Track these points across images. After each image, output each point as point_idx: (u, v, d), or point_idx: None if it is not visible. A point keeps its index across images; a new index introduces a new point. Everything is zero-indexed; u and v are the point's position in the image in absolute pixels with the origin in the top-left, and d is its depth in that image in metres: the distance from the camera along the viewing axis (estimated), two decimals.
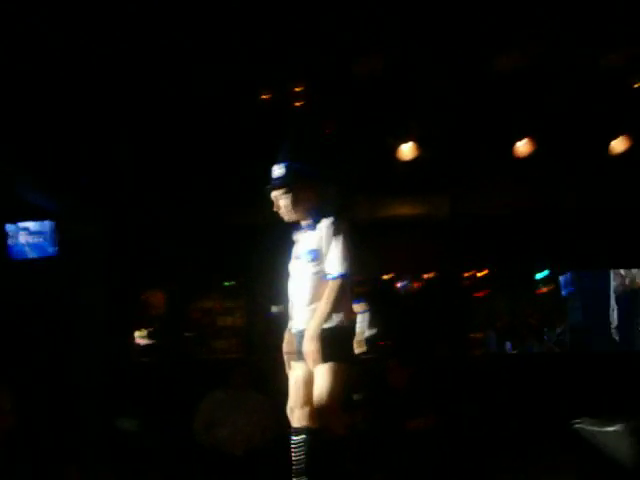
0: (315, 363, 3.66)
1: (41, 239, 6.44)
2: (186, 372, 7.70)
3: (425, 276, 9.39)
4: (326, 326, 3.68)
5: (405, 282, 9.86)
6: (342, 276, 3.68)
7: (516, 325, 10.29)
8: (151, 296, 9.45)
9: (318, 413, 3.66)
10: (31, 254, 6.39)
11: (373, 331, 8.32)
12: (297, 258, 3.92)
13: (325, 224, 3.79)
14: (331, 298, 3.66)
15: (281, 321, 8.14)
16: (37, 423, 4.21)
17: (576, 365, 7.59)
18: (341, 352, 3.72)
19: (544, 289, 10.58)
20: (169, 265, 7.74)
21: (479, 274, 9.89)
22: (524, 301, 10.84)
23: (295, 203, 3.86)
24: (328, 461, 3.72)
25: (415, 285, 9.93)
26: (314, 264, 3.79)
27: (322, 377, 3.65)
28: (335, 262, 3.70)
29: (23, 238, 6.41)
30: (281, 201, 3.87)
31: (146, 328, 8.88)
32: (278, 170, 3.85)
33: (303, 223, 3.93)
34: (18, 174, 5.97)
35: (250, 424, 5.56)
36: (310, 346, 3.62)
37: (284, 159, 3.89)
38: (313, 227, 3.85)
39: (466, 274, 9.43)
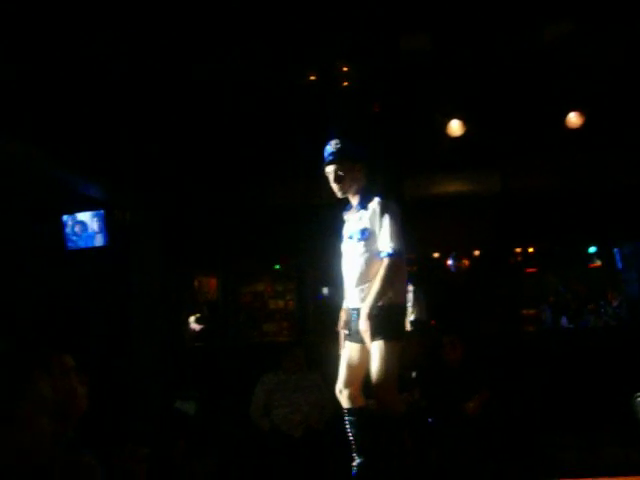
0: (370, 341, 3.68)
1: (95, 229, 6.55)
2: (238, 356, 7.79)
3: (476, 253, 9.34)
4: (380, 304, 3.70)
5: (455, 259, 9.83)
6: (394, 254, 3.69)
7: (570, 300, 10.19)
8: (203, 281, 9.59)
9: (376, 391, 3.68)
10: (86, 244, 6.51)
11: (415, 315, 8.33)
12: (348, 238, 3.95)
13: (375, 203, 3.80)
14: (385, 276, 3.68)
15: (332, 302, 8.24)
16: (100, 408, 4.28)
17: (633, 338, 7.45)
18: (395, 329, 3.75)
19: (597, 263, 10.45)
20: (220, 250, 7.81)
21: (530, 250, 9.81)
22: (577, 275, 10.73)
23: (346, 179, 3.89)
24: (386, 439, 3.75)
25: (465, 262, 9.89)
26: (365, 243, 3.82)
27: (378, 355, 3.67)
28: (386, 240, 3.72)
29: (78, 228, 6.53)
30: (333, 176, 3.90)
31: (199, 313, 9.01)
32: (331, 147, 3.89)
33: (353, 201, 3.95)
34: (68, 166, 6.06)
35: (307, 404, 5.59)
36: (365, 324, 3.64)
37: (336, 137, 3.92)
38: (363, 206, 3.87)
39: (518, 250, 9.36)
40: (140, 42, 5.01)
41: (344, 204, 4.11)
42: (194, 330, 8.63)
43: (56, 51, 4.86)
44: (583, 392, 6.37)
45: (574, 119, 5.95)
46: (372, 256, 3.81)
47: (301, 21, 4.60)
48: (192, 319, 8.70)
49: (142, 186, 6.86)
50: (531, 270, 10.46)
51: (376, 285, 3.69)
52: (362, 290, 3.81)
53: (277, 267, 10.15)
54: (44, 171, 5.83)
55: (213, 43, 5.03)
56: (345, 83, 5.17)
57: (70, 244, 6.41)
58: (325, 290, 9.88)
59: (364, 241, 3.83)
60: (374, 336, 3.67)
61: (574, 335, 8.15)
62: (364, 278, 3.81)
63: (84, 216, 6.52)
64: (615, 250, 10.22)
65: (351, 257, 3.92)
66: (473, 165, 7.04)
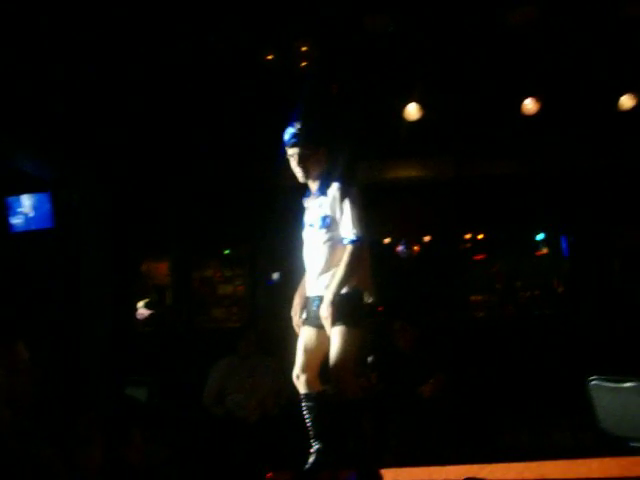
0: (331, 326, 3.64)
1: (41, 210, 6.34)
2: (187, 341, 7.69)
3: (426, 239, 9.39)
4: (344, 291, 3.65)
5: (405, 246, 9.86)
6: (357, 240, 3.64)
7: (517, 287, 10.32)
8: (152, 265, 9.43)
9: (334, 376, 3.64)
10: (31, 226, 6.30)
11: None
12: (309, 226, 3.88)
13: (334, 188, 3.74)
14: (348, 263, 3.63)
15: (282, 288, 8.19)
16: (49, 395, 4.15)
17: (578, 324, 7.60)
18: (356, 315, 3.69)
19: (545, 250, 10.61)
20: (171, 233, 7.68)
21: (480, 236, 9.91)
22: (525, 263, 10.88)
23: (309, 162, 3.82)
24: (344, 424, 3.72)
25: (416, 248, 9.93)
26: (326, 230, 3.75)
27: (338, 340, 3.63)
28: (349, 226, 3.66)
29: (23, 210, 6.32)
30: (296, 160, 3.83)
31: (147, 297, 8.86)
32: (294, 129, 3.81)
33: (313, 187, 3.89)
34: (15, 146, 5.86)
35: (262, 389, 5.54)
36: (327, 311, 3.59)
37: (297, 120, 3.84)
38: (323, 192, 3.80)
39: (467, 236, 9.44)
40: (98, 19, 4.86)
41: (299, 189, 4.04)
42: (143, 315, 8.48)
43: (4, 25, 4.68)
44: (533, 377, 6.47)
45: (530, 105, 5.99)
46: (334, 243, 3.75)
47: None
48: (141, 304, 8.55)
49: (91, 167, 6.69)
50: (480, 257, 10.57)
51: (340, 272, 3.63)
52: (325, 278, 3.75)
53: (227, 252, 10.05)
54: None
55: (170, 20, 4.90)
56: (303, 63, 5.09)
57: (15, 226, 6.20)
58: (275, 275, 9.81)
59: (325, 228, 3.76)
60: (335, 321, 3.62)
61: (522, 321, 8.25)
62: (326, 266, 3.75)
63: (29, 197, 6.31)
64: (562, 238, 10.41)
65: (313, 245, 3.85)
66: (427, 150, 7.05)
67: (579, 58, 5.46)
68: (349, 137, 5.48)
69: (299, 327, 3.94)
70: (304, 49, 4.96)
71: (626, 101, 6.15)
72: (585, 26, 4.98)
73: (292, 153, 3.84)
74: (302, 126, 3.81)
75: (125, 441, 3.85)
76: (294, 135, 3.80)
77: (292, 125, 3.81)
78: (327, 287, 3.68)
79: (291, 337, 4.26)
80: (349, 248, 3.64)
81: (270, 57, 5.04)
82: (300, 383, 3.84)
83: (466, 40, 5.38)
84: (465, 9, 4.99)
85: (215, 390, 5.62)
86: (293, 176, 3.92)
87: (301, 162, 3.82)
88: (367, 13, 4.65)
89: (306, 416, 3.85)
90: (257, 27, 4.81)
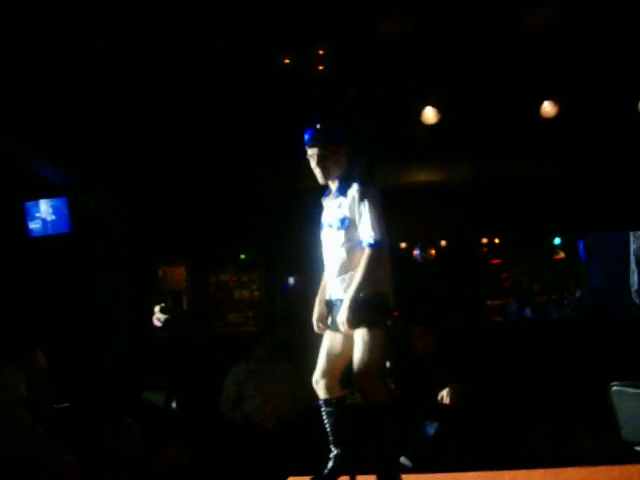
0: (352, 331, 3.61)
1: (59, 215, 6.37)
2: (203, 346, 7.67)
3: (443, 243, 9.34)
4: (363, 293, 3.62)
5: (422, 250, 9.81)
6: (376, 243, 3.60)
7: (535, 291, 10.25)
8: (167, 270, 9.43)
9: (359, 381, 3.61)
10: (49, 231, 6.33)
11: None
12: (328, 226, 3.85)
13: (354, 189, 3.72)
14: (366, 266, 3.59)
15: (299, 292, 8.15)
16: (67, 398, 4.16)
17: (596, 329, 7.52)
18: (378, 317, 3.66)
19: (562, 254, 10.53)
20: (188, 238, 7.67)
21: (496, 240, 9.85)
22: (543, 267, 10.80)
23: (330, 162, 3.80)
24: (369, 430, 3.68)
25: (432, 253, 9.88)
26: (345, 232, 3.73)
27: (361, 343, 3.59)
28: (368, 229, 3.63)
29: (41, 215, 6.35)
30: (316, 160, 3.80)
31: (163, 302, 8.86)
32: (313, 129, 3.79)
33: (332, 187, 3.86)
34: (34, 151, 5.88)
35: (279, 394, 5.51)
36: (345, 315, 3.56)
37: (316, 120, 3.83)
38: (342, 193, 3.78)
39: (484, 240, 9.38)
40: (113, 26, 4.87)
41: (315, 192, 4.02)
42: (159, 320, 8.48)
43: (23, 36, 4.69)
44: (552, 383, 6.40)
45: (548, 108, 5.94)
46: (353, 245, 3.71)
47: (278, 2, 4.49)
48: (157, 309, 8.55)
49: (108, 172, 6.69)
50: (495, 261, 10.51)
51: (358, 276, 3.60)
52: (343, 280, 3.72)
53: (243, 257, 10.03)
54: (7, 155, 5.65)
55: (186, 26, 4.89)
56: (320, 67, 5.06)
57: (33, 231, 6.22)
58: (291, 280, 9.79)
59: (344, 230, 3.73)
60: (357, 324, 3.59)
61: (540, 326, 8.18)
62: (345, 268, 3.72)
63: (48, 202, 6.34)
64: (579, 242, 10.33)
65: (331, 246, 3.82)
66: (445, 154, 7.00)
67: (599, 60, 5.40)
68: (367, 139, 5.46)
69: (320, 330, 3.92)
70: (321, 52, 4.93)
71: None
72: (605, 28, 4.91)
73: (312, 153, 3.82)
74: (322, 126, 3.79)
75: (154, 451, 3.85)
76: (314, 135, 3.79)
77: (312, 125, 3.80)
78: (345, 290, 3.66)
79: (308, 342, 4.25)
80: (368, 251, 3.61)
81: (287, 61, 5.01)
82: (320, 388, 3.81)
83: (485, 42, 5.33)
84: (484, 11, 4.93)
85: (232, 395, 5.60)
86: (310, 179, 3.90)
87: (320, 162, 3.80)
88: (386, 15, 4.62)
89: (325, 421, 3.82)
90: (273, 30, 4.78)
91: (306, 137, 3.81)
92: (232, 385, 5.65)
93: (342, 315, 3.57)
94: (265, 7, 4.76)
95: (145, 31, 4.99)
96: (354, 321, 3.58)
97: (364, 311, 3.58)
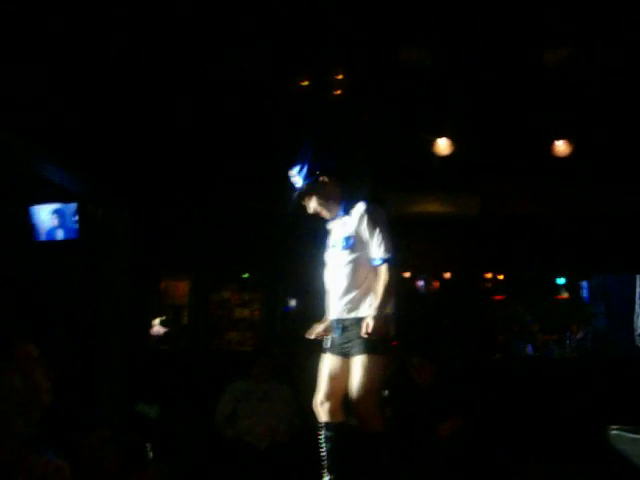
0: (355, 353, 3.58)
1: (65, 221, 6.37)
2: (200, 362, 7.64)
3: (446, 275, 9.33)
4: (365, 315, 3.59)
5: (425, 281, 9.82)
6: (390, 259, 3.58)
7: (535, 330, 10.24)
8: (170, 284, 9.42)
9: (356, 406, 3.57)
10: (55, 235, 6.33)
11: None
12: (332, 246, 3.84)
13: (360, 208, 3.71)
14: (387, 283, 3.57)
15: (300, 314, 8.11)
16: (62, 406, 4.12)
17: (597, 370, 7.47)
18: (381, 342, 3.62)
19: (565, 295, 10.53)
20: (189, 254, 7.67)
21: (500, 277, 9.84)
22: (544, 306, 10.79)
23: (326, 199, 3.81)
24: (364, 457, 3.64)
25: (435, 284, 9.88)
26: (349, 251, 3.71)
27: (360, 368, 3.56)
28: (379, 246, 3.61)
29: (47, 219, 6.35)
30: (313, 203, 3.82)
31: (164, 315, 8.86)
32: (294, 178, 3.78)
33: (335, 211, 3.86)
34: (43, 155, 5.90)
35: (274, 416, 5.47)
36: (372, 325, 3.49)
37: (298, 161, 3.80)
38: (346, 212, 3.78)
39: (488, 275, 9.37)
40: (129, 36, 4.90)
41: (317, 216, 4.01)
42: (158, 333, 8.47)
43: (37, 38, 4.72)
44: (550, 422, 6.34)
45: (561, 147, 5.95)
46: (357, 265, 3.70)
47: (300, 25, 4.52)
48: (157, 321, 8.54)
49: (118, 183, 6.71)
50: (499, 297, 10.51)
51: (379, 293, 3.57)
52: (348, 301, 3.70)
53: (245, 276, 10.02)
54: (17, 158, 5.66)
55: (200, 41, 4.91)
56: (337, 92, 5.09)
57: (39, 235, 6.22)
58: (293, 302, 9.77)
59: (349, 249, 3.72)
60: (358, 350, 3.56)
61: (541, 364, 8.13)
62: (349, 288, 3.70)
63: (56, 208, 6.34)
64: (583, 283, 10.33)
65: (335, 266, 3.81)
66: (454, 186, 7.00)
67: (614, 101, 5.41)
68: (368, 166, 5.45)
69: (310, 334, 3.90)
70: (339, 77, 4.96)
71: None
72: (620, 69, 4.93)
73: (306, 199, 3.83)
74: (301, 173, 3.77)
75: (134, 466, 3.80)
76: (297, 185, 3.78)
77: (297, 172, 3.77)
78: (349, 312, 3.65)
79: (307, 364, 4.22)
80: (384, 267, 3.58)
81: (305, 83, 5.03)
82: (322, 411, 3.75)
83: (500, 78, 5.35)
84: (502, 46, 4.96)
85: (227, 412, 5.57)
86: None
87: (320, 202, 3.81)
88: (404, 45, 4.65)
89: (322, 445, 3.76)
90: (294, 51, 4.81)
91: (295, 189, 3.80)
92: (227, 403, 5.61)
93: (368, 327, 3.50)
94: (283, 30, 4.79)
95: (161, 47, 5.01)
96: (355, 344, 3.57)
97: (365, 337, 3.56)
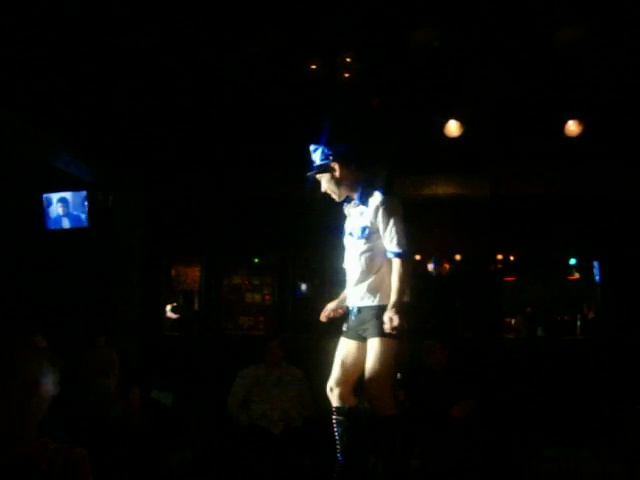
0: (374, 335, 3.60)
1: (76, 209, 6.39)
2: (214, 347, 7.67)
3: (457, 257, 9.30)
4: (380, 304, 3.62)
5: (437, 263, 9.78)
6: (403, 252, 3.60)
7: (547, 311, 10.18)
8: (180, 270, 9.44)
9: (369, 390, 3.59)
10: (67, 224, 6.35)
11: None
12: (349, 234, 3.86)
13: (376, 199, 3.71)
14: (402, 273, 3.59)
15: (311, 298, 8.12)
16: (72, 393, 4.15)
17: (608, 352, 7.47)
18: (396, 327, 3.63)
19: (576, 275, 10.46)
20: (201, 239, 7.68)
21: (511, 258, 9.79)
22: (557, 287, 10.73)
23: (337, 183, 3.81)
24: (376, 440, 3.66)
25: (446, 266, 9.85)
26: (365, 241, 3.73)
27: (374, 352, 3.59)
28: (393, 238, 3.62)
29: (59, 208, 6.37)
30: (326, 184, 3.82)
31: (175, 302, 8.88)
32: (313, 155, 3.80)
33: (354, 196, 3.86)
34: (54, 144, 5.90)
35: (287, 400, 5.49)
36: (396, 320, 3.52)
37: (317, 141, 3.84)
38: (363, 201, 3.77)
39: (499, 257, 9.32)
40: (139, 24, 4.87)
41: (330, 199, 4.01)
42: (170, 319, 8.49)
43: (50, 27, 4.71)
44: (563, 403, 6.34)
45: (572, 127, 5.90)
46: (372, 255, 3.73)
47: (308, 7, 4.48)
48: (169, 308, 8.56)
49: (127, 170, 6.72)
50: (510, 278, 10.45)
51: (396, 283, 3.60)
52: (363, 289, 3.73)
53: (256, 260, 10.03)
54: (28, 147, 5.68)
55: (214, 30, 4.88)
56: (346, 74, 5.05)
57: (51, 224, 6.25)
58: (304, 286, 9.78)
59: (364, 239, 3.74)
60: (372, 333, 3.59)
61: (553, 346, 8.11)
62: (364, 277, 3.74)
63: (67, 196, 6.36)
64: (595, 263, 10.25)
65: (351, 255, 3.84)
66: (465, 168, 6.97)
67: (625, 80, 5.36)
68: (386, 149, 5.45)
69: (325, 317, 4.00)
70: (348, 60, 4.92)
71: None
72: (631, 47, 4.88)
73: (320, 178, 3.84)
74: (322, 152, 3.78)
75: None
76: (316, 163, 3.79)
77: (313, 151, 3.79)
78: (362, 299, 3.67)
79: (319, 348, 4.24)
80: (397, 261, 3.61)
81: (314, 67, 5.00)
82: (333, 396, 3.80)
83: (510, 58, 5.30)
84: (512, 27, 4.91)
85: (240, 397, 5.58)
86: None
87: (330, 185, 3.82)
88: (414, 27, 4.60)
89: (335, 430, 3.80)
90: (301, 36, 4.78)
91: (310, 161, 3.82)
92: (240, 388, 5.62)
93: (394, 320, 3.52)
94: (291, 14, 4.75)
95: (174, 34, 4.99)
96: (371, 328, 3.59)
97: (381, 319, 3.57)
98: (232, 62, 5.12)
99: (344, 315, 3.96)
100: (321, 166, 3.81)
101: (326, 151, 3.79)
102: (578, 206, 7.27)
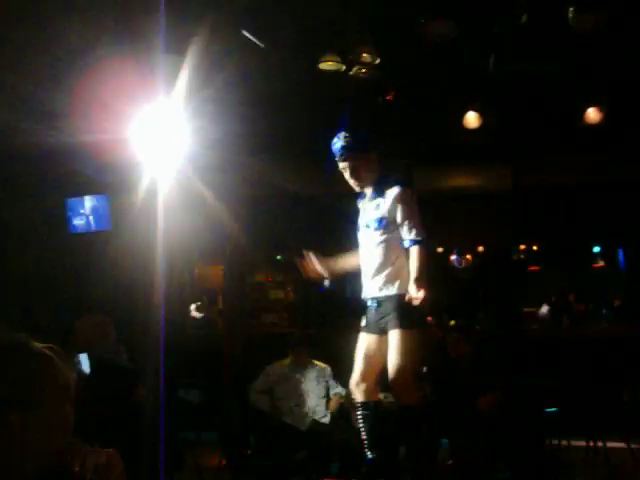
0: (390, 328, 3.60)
1: (99, 213, 6.44)
2: (239, 345, 7.71)
3: (480, 249, 9.29)
4: (397, 293, 3.63)
5: (459, 255, 9.78)
6: (421, 241, 3.60)
7: (572, 300, 10.13)
8: (203, 270, 9.50)
9: (393, 383, 3.60)
10: (90, 227, 6.40)
11: None
12: (365, 227, 3.86)
13: (394, 191, 3.71)
14: (421, 261, 3.59)
15: (335, 294, 8.13)
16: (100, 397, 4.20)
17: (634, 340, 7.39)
18: (414, 318, 3.64)
19: (601, 263, 10.40)
20: (223, 238, 7.71)
21: (535, 247, 9.76)
22: (582, 275, 10.66)
23: (362, 171, 3.81)
24: (403, 433, 3.67)
25: (469, 258, 9.84)
26: (382, 232, 3.73)
27: (396, 344, 3.59)
28: (412, 228, 3.63)
29: (82, 212, 6.43)
30: (349, 172, 3.82)
31: (199, 301, 8.94)
32: (339, 142, 3.80)
33: (368, 190, 3.87)
34: (77, 149, 5.95)
35: (314, 397, 5.49)
36: (417, 289, 3.51)
37: (344, 130, 3.84)
38: (380, 194, 3.78)
39: (522, 247, 9.30)
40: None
41: (350, 196, 4.03)
42: (194, 318, 8.56)
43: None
44: (589, 394, 6.29)
45: (593, 115, 5.86)
46: (389, 245, 3.73)
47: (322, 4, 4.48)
48: (193, 307, 8.63)
49: (147, 172, 6.74)
50: (534, 268, 10.42)
51: (416, 269, 3.58)
52: (381, 279, 3.72)
53: (279, 257, 10.07)
54: (50, 152, 5.72)
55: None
56: (363, 70, 5.04)
57: (75, 227, 6.31)
58: (326, 282, 9.78)
59: (382, 230, 3.74)
60: (393, 325, 3.59)
61: (577, 335, 8.06)
62: (382, 267, 3.73)
63: (89, 200, 6.41)
64: (619, 250, 10.19)
65: (368, 246, 3.83)
66: (486, 159, 6.95)
67: None
68: (406, 144, 5.44)
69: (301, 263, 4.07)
70: (364, 55, 4.91)
71: None
72: None
73: (343, 166, 3.84)
74: (348, 137, 3.79)
75: None
76: (342, 148, 3.79)
77: (338, 137, 3.80)
78: (380, 290, 3.67)
79: (344, 343, 4.23)
80: (415, 249, 3.61)
81: (330, 62, 5.00)
82: (358, 391, 3.80)
83: (529, 47, 5.27)
84: (530, 16, 4.87)
85: (261, 387, 5.54)
86: (344, 183, 3.91)
87: (354, 173, 3.82)
88: (430, 18, 4.59)
89: (361, 425, 3.80)
90: (320, 31, 4.78)
91: (335, 151, 3.82)
92: (265, 379, 5.58)
93: (420, 292, 3.50)
94: (310, 8, 4.75)
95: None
96: (390, 320, 3.60)
97: (400, 310, 3.59)
98: (250, 58, 5.11)
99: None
100: (341, 155, 3.81)
101: (351, 140, 3.80)
102: (600, 194, 7.21)
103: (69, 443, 2.11)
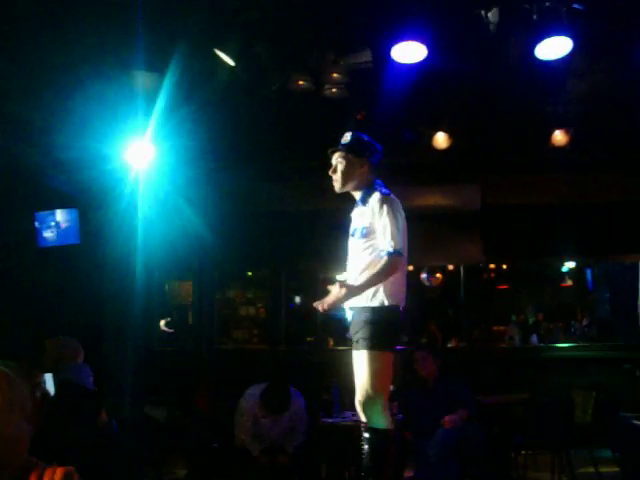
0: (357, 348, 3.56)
1: (68, 227, 6.39)
2: (207, 361, 7.67)
3: (450, 267, 9.35)
4: (371, 305, 3.57)
5: (429, 273, 9.83)
6: (394, 253, 3.55)
7: (540, 319, 10.24)
8: (173, 285, 9.46)
9: (362, 407, 3.53)
10: (58, 241, 6.35)
11: None
12: (351, 235, 3.86)
13: (375, 199, 3.71)
14: (379, 271, 3.52)
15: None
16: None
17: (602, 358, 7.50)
18: (384, 336, 3.56)
19: (569, 282, 10.53)
20: (193, 254, 7.68)
21: (504, 266, 9.85)
22: (550, 294, 10.79)
23: (345, 172, 3.82)
24: (371, 453, 3.58)
25: (439, 277, 9.90)
26: (365, 240, 3.71)
27: (363, 365, 3.53)
28: (388, 237, 3.58)
29: (51, 225, 6.37)
30: (339, 166, 3.83)
31: (168, 317, 8.90)
32: (346, 136, 3.83)
33: (356, 196, 3.87)
34: (47, 161, 5.91)
35: (292, 420, 5.26)
36: (330, 299, 3.52)
37: (354, 129, 3.89)
38: (364, 202, 3.79)
39: (491, 266, 9.37)
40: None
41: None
42: (164, 333, 8.51)
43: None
44: (557, 411, 6.35)
45: (559, 137, 5.96)
46: (372, 253, 3.68)
47: (297, 24, 4.53)
48: (162, 323, 8.58)
49: (118, 186, 6.71)
50: (503, 287, 10.52)
51: (366, 276, 3.56)
52: None
53: (249, 274, 10.06)
54: (18, 163, 5.69)
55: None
56: (333, 90, 5.09)
57: (43, 241, 6.25)
58: (297, 298, 9.82)
59: (364, 238, 3.73)
60: (361, 345, 3.54)
61: (545, 353, 8.14)
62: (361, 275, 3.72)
63: (58, 213, 6.36)
64: (587, 270, 10.34)
65: (353, 254, 3.83)
66: (455, 179, 7.02)
67: (611, 90, 5.42)
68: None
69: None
70: (334, 75, 4.95)
71: None
72: (615, 57, 4.93)
73: (332, 159, 3.85)
74: (352, 137, 3.83)
75: None
76: (339, 143, 3.83)
77: (346, 134, 3.85)
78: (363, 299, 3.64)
79: (311, 363, 4.22)
80: (385, 259, 3.54)
81: (302, 83, 5.02)
82: (359, 411, 3.67)
83: (497, 70, 5.35)
84: (497, 39, 4.96)
85: (249, 424, 5.18)
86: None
87: (335, 170, 3.83)
88: (399, 40, 4.64)
89: (362, 447, 3.63)
90: (290, 52, 4.82)
91: (339, 142, 3.86)
92: (247, 413, 5.29)
93: (338, 289, 3.50)
94: (281, 29, 4.79)
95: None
96: (357, 337, 3.56)
97: (368, 328, 3.53)
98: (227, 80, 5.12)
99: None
100: (341, 151, 3.83)
101: (351, 140, 3.83)
102: (569, 214, 7.31)
103: (26, 460, 2.10)
